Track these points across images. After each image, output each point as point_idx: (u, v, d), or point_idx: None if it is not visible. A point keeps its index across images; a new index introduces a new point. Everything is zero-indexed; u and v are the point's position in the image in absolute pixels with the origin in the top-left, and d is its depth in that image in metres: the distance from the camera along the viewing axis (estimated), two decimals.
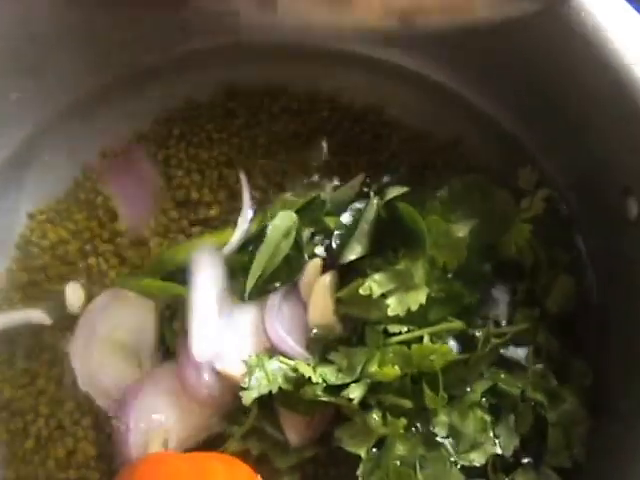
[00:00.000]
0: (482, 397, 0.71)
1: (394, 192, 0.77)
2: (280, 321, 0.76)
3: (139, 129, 0.88)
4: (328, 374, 0.70)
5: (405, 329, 0.72)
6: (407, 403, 0.70)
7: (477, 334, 0.73)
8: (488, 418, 0.70)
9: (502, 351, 0.74)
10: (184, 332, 0.75)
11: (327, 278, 0.77)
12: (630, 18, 0.68)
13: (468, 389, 0.71)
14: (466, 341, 0.73)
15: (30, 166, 0.86)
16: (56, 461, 0.77)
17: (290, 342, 0.75)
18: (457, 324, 0.73)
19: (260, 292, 0.77)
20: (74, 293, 0.82)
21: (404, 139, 0.88)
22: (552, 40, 0.73)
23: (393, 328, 0.72)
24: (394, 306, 0.71)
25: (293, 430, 0.73)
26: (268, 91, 0.89)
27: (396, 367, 0.68)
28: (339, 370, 0.71)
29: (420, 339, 0.71)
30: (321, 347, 0.74)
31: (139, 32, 0.83)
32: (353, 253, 0.76)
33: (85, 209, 0.86)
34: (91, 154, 0.87)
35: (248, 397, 0.70)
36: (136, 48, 0.84)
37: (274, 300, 0.77)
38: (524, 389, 0.72)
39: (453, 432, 0.70)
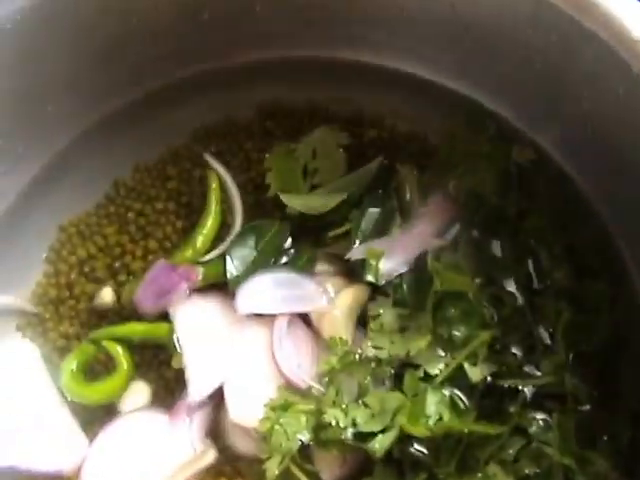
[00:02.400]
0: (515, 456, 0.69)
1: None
2: (290, 354, 0.75)
3: (173, 145, 0.86)
4: (359, 418, 0.69)
5: (442, 366, 0.71)
6: (430, 461, 0.69)
7: (511, 409, 0.71)
8: None
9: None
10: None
11: (351, 295, 0.76)
12: None
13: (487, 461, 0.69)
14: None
15: (63, 178, 0.84)
16: None
17: (304, 376, 0.74)
18: (484, 335, 0.72)
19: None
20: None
21: None
22: None
23: (432, 369, 0.71)
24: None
25: (326, 468, 0.72)
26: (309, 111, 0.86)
27: (427, 427, 0.67)
28: (372, 415, 0.69)
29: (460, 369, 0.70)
30: (356, 388, 0.72)
31: (176, 45, 0.80)
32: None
33: (116, 222, 0.84)
34: (124, 168, 0.85)
35: (272, 467, 0.68)
36: (172, 62, 0.82)
37: (280, 334, 0.75)
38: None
39: None
